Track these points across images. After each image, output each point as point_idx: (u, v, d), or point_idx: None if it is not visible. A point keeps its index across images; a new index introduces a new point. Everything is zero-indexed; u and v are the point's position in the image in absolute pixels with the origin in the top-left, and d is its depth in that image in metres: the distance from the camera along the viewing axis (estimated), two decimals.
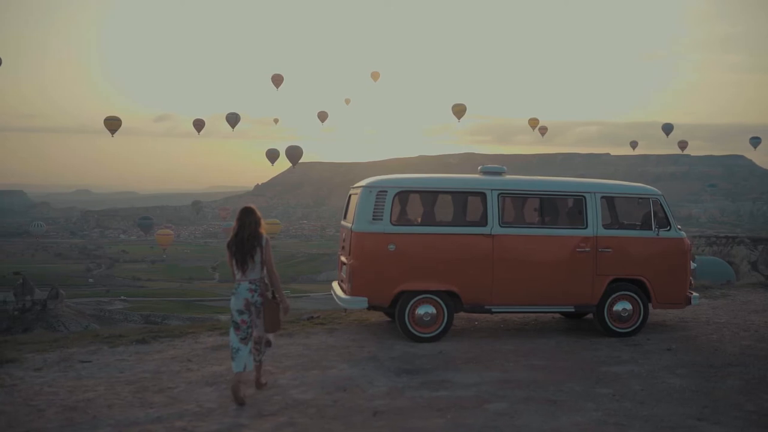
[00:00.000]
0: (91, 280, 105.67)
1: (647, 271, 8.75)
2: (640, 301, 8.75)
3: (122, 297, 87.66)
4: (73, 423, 5.38)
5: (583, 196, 8.71)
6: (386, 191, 8.38)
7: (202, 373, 6.85)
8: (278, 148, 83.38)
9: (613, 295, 8.71)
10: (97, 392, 6.15)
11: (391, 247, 8.24)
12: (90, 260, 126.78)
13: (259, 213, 6.30)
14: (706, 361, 7.57)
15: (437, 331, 8.35)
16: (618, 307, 8.71)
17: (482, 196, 8.52)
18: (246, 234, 6.13)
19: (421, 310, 8.32)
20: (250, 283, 6.12)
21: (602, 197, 8.78)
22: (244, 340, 6.08)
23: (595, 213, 8.67)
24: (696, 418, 5.69)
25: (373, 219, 8.29)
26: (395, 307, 8.35)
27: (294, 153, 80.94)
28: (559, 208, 9.02)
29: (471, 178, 8.96)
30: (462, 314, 9.10)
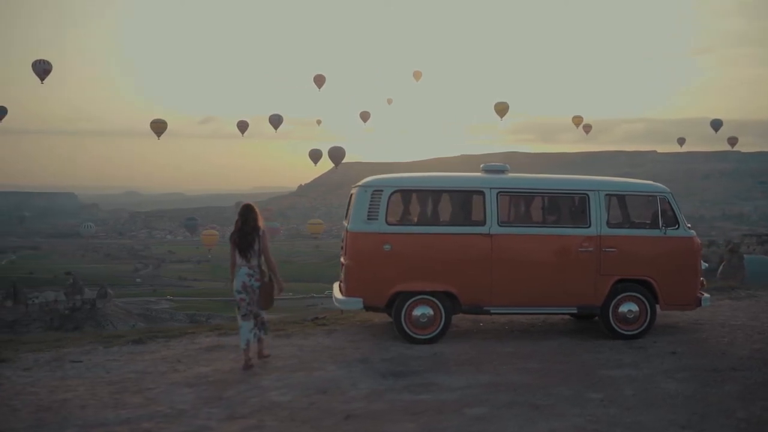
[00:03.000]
0: (138, 280, 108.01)
1: (654, 272, 8.44)
2: (646, 302, 8.45)
3: (168, 297, 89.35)
4: (42, 423, 5.40)
5: (587, 194, 8.45)
6: (382, 190, 8.26)
7: (186, 374, 6.84)
8: (321, 149, 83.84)
9: (619, 296, 8.42)
10: (77, 392, 6.18)
11: (387, 247, 8.12)
12: (138, 260, 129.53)
13: (257, 209, 7.32)
14: (710, 365, 7.25)
15: (435, 333, 8.19)
16: (624, 308, 8.42)
17: (480, 194, 8.34)
18: (248, 227, 7.16)
19: (417, 312, 8.17)
20: (249, 268, 7.11)
21: (606, 195, 8.52)
22: (245, 316, 7.12)
23: (598, 211, 8.40)
24: (681, 425, 5.43)
25: (368, 218, 8.18)
26: (391, 309, 8.22)
27: (337, 154, 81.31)
28: (561, 206, 8.77)
29: (469, 176, 8.78)
30: (469, 315, 8.93)
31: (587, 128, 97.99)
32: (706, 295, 8.80)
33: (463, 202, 8.53)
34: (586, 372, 7.04)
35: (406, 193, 8.51)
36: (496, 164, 8.87)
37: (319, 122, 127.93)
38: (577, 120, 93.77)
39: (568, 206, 8.71)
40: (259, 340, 7.34)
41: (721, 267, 18.98)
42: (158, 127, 72.63)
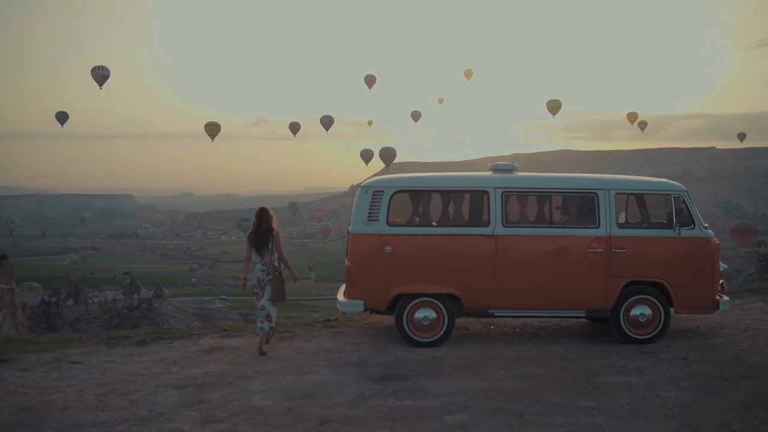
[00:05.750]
0: (194, 279, 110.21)
1: (667, 274, 8.09)
2: (660, 305, 8.12)
3: (222, 296, 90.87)
4: (19, 424, 5.46)
5: (596, 194, 8.16)
6: (383, 191, 8.14)
7: (178, 376, 6.84)
8: (372, 149, 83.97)
9: (630, 299, 8.11)
10: (64, 394, 6.24)
11: (388, 248, 7.99)
12: (193, 260, 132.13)
13: (272, 212, 8.01)
14: (720, 372, 6.89)
15: (437, 336, 8.03)
16: (636, 311, 8.11)
17: (485, 194, 8.13)
18: (263, 228, 7.86)
19: (420, 314, 8.03)
20: (263, 265, 7.86)
21: (617, 194, 8.21)
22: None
23: (608, 211, 8.10)
24: None
25: (369, 220, 8.07)
26: (393, 311, 8.09)
27: (388, 154, 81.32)
28: (568, 206, 8.51)
29: (473, 176, 8.60)
30: (481, 318, 8.73)
31: (642, 125, 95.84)
32: (725, 297, 8.38)
33: (466, 202, 8.35)
34: (585, 378, 6.77)
35: (407, 194, 8.38)
36: (504, 163, 8.66)
37: (370, 123, 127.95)
38: (632, 117, 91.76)
39: (576, 206, 8.44)
40: (262, 336, 7.85)
41: None
42: (212, 129, 73.85)
